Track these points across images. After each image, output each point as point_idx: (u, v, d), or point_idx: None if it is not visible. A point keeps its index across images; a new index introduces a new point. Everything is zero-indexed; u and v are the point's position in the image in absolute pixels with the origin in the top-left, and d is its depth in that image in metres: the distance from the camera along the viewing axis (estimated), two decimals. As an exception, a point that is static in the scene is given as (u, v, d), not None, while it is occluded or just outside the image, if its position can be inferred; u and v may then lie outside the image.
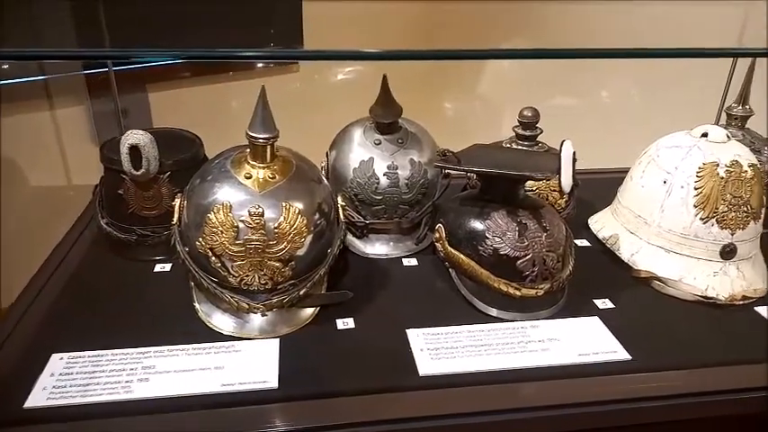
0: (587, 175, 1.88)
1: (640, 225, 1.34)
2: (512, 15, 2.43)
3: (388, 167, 1.36)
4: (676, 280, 1.26)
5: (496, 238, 1.18)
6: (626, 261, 1.35)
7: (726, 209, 1.23)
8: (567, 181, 1.18)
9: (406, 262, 1.40)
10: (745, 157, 1.26)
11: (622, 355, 1.08)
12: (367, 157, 1.36)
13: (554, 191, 1.50)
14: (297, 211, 1.10)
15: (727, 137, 1.29)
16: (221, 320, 1.14)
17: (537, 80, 2.21)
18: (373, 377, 1.02)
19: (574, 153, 1.20)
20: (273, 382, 1.00)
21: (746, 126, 1.66)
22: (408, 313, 1.20)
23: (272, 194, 1.10)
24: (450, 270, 1.28)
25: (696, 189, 1.24)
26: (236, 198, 1.09)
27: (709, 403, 1.02)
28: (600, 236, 1.46)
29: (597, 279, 1.33)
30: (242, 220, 1.07)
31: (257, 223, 1.07)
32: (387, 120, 1.37)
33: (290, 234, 1.09)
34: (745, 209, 1.24)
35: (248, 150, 1.14)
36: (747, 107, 1.63)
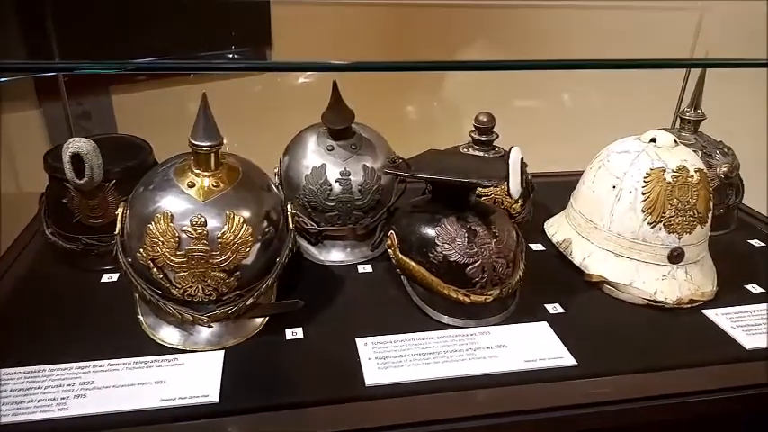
0: (547, 178, 1.90)
1: (591, 229, 1.35)
2: (475, 19, 2.44)
3: (341, 174, 1.34)
4: (626, 284, 1.28)
5: (446, 245, 1.18)
6: (578, 265, 1.36)
7: (673, 213, 1.24)
8: (515, 187, 1.18)
9: (360, 269, 1.39)
10: (692, 162, 1.28)
11: (568, 360, 1.09)
12: (319, 163, 1.35)
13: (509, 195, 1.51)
14: (242, 221, 1.08)
15: (675, 142, 1.31)
16: (166, 333, 1.12)
17: (499, 82, 2.22)
18: (318, 389, 1.01)
19: (522, 159, 1.20)
20: (214, 396, 0.98)
21: (699, 130, 1.69)
22: (359, 321, 1.19)
23: (216, 203, 1.08)
24: (402, 277, 1.27)
25: (644, 194, 1.25)
26: (177, 207, 1.06)
27: (655, 407, 1.03)
28: (554, 240, 1.47)
29: (550, 284, 1.34)
30: (184, 231, 1.05)
31: (199, 233, 1.05)
32: (338, 126, 1.36)
33: (234, 244, 1.07)
34: (692, 213, 1.25)
35: (192, 158, 1.12)
36: (699, 112, 1.66)
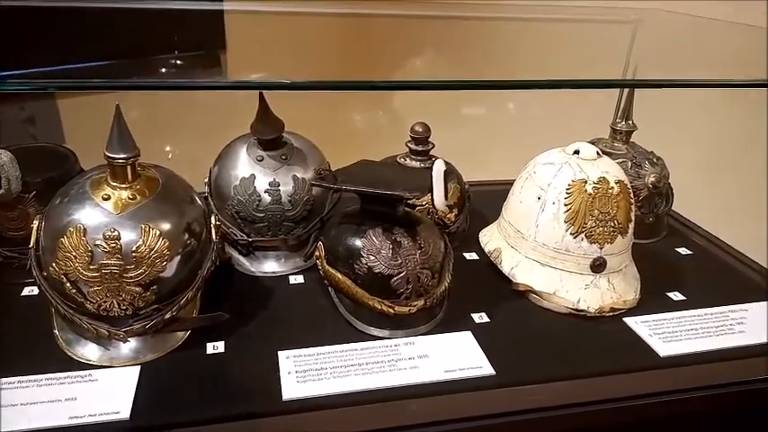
0: (489, 186, 1.92)
1: (519, 239, 1.37)
2: (424, 30, 2.46)
3: (270, 184, 1.34)
4: (551, 293, 1.30)
5: (371, 257, 1.18)
6: (507, 275, 1.38)
7: (594, 224, 1.27)
8: (439, 199, 1.19)
9: (292, 279, 1.38)
10: (613, 173, 1.31)
11: (487, 370, 1.10)
12: (248, 173, 1.34)
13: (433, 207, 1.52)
14: (158, 234, 1.07)
15: (598, 154, 1.34)
16: (82, 348, 1.09)
17: (445, 90, 2.24)
18: (233, 404, 1.00)
19: (447, 171, 1.21)
20: (125, 413, 0.96)
21: (632, 140, 1.74)
22: (284, 334, 1.18)
23: (132, 216, 1.07)
24: (330, 288, 1.27)
25: (566, 205, 1.28)
26: (91, 221, 1.04)
27: (568, 416, 1.05)
28: (486, 249, 1.49)
29: (478, 293, 1.35)
30: (97, 245, 1.03)
31: (113, 247, 1.03)
32: (267, 136, 1.35)
33: (149, 258, 1.06)
34: (612, 224, 1.28)
35: (108, 170, 1.10)
36: (630, 122, 1.71)
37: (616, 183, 1.30)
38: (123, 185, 1.09)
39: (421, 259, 1.20)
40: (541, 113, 2.37)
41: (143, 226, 1.06)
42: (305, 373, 1.07)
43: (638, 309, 1.32)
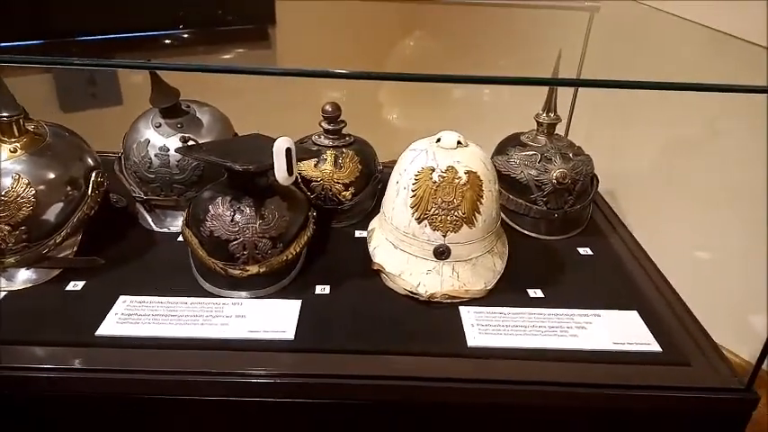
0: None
1: (383, 221, 1.42)
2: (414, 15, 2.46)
3: (160, 149, 1.49)
4: (396, 275, 1.34)
5: (214, 222, 1.30)
6: (370, 254, 1.44)
7: (436, 212, 1.29)
8: (280, 175, 1.27)
9: (180, 237, 1.54)
10: (465, 164, 1.31)
11: (288, 335, 1.19)
12: (144, 138, 1.50)
13: (337, 183, 1.60)
14: (27, 182, 1.26)
15: (459, 143, 1.34)
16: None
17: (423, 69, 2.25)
18: (49, 332, 1.18)
19: (289, 149, 1.29)
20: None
21: (556, 132, 1.69)
22: (140, 282, 1.33)
23: (8, 166, 1.27)
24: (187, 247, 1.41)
25: (413, 191, 1.31)
26: (-25, 168, 1.26)
27: (351, 386, 1.11)
28: (368, 229, 1.55)
29: (337, 268, 1.42)
30: (-25, 187, 1.25)
31: (-14, 190, 1.24)
32: (159, 105, 1.50)
33: (15, 202, 1.25)
34: (456, 214, 1.29)
35: (0, 127, 1.31)
36: (552, 115, 1.66)
37: (465, 173, 1.30)
38: (10, 140, 1.30)
39: (261, 228, 1.30)
40: (515, 97, 2.31)
41: (15, 175, 1.26)
42: (128, 316, 1.22)
43: (483, 300, 1.32)
